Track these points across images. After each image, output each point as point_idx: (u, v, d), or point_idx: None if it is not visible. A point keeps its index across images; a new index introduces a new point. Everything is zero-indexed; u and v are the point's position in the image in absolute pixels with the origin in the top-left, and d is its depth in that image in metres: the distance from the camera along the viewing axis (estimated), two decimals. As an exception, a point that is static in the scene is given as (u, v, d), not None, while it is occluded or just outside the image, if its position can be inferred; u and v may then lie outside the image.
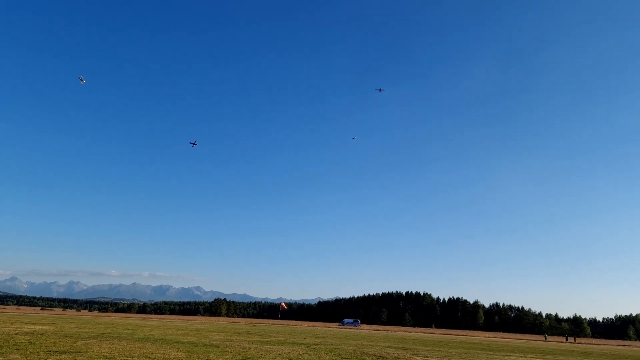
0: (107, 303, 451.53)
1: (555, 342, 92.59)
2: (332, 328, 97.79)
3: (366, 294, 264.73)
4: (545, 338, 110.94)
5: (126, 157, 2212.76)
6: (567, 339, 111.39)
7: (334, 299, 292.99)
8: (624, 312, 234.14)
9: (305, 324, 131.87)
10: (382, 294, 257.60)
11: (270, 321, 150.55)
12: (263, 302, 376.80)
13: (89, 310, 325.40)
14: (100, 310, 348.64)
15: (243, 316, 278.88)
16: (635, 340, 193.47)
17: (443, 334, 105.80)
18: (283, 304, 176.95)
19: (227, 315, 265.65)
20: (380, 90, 70.12)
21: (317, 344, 34.32)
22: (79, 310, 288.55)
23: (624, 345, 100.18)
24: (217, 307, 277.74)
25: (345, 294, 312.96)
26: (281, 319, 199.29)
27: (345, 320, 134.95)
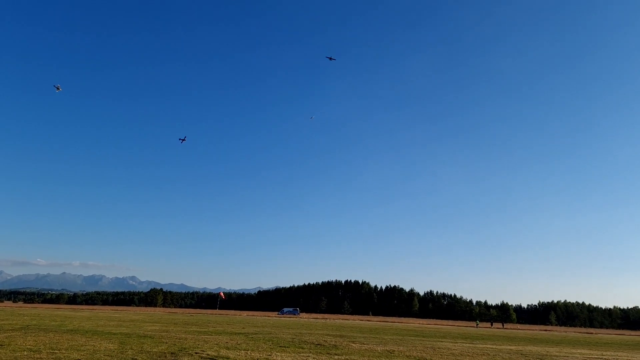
0: (33, 294, 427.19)
1: (484, 328, 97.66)
2: (271, 317, 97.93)
3: (306, 283, 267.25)
4: (477, 324, 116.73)
5: (49, 141, 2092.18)
6: (492, 324, 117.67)
7: (274, 289, 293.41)
8: (546, 299, 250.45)
9: (244, 313, 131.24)
10: (322, 282, 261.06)
11: (209, 311, 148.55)
12: (201, 292, 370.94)
13: (13, 302, 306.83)
14: (25, 301, 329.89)
15: (180, 306, 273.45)
16: (556, 325, 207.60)
17: (380, 321, 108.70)
18: (222, 293, 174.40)
19: (164, 306, 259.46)
20: (330, 58, 68.13)
21: (255, 333, 34.26)
22: (1, 302, 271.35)
23: (546, 330, 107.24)
24: (153, 298, 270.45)
25: (286, 283, 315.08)
26: (220, 308, 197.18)
27: (285, 309, 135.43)
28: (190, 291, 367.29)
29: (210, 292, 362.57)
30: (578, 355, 29.52)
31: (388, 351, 24.91)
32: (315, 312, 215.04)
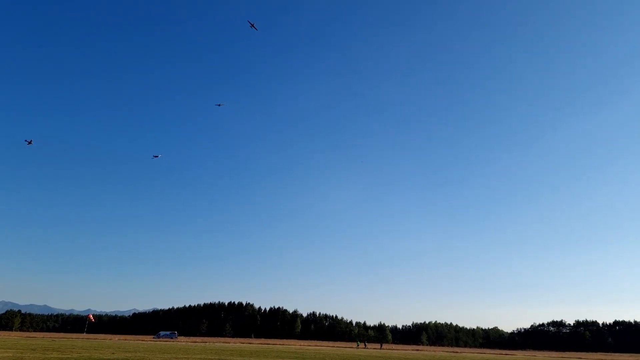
0: None
1: (362, 349, 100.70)
2: (146, 341, 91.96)
3: (186, 305, 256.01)
4: (357, 345, 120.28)
5: None
6: (365, 345, 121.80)
7: (150, 311, 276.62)
8: (419, 320, 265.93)
9: (116, 337, 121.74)
10: (204, 304, 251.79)
11: (75, 335, 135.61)
12: (67, 314, 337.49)
13: None
14: None
15: (42, 330, 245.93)
16: (427, 344, 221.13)
17: (261, 343, 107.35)
18: (91, 316, 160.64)
19: (22, 330, 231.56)
20: (219, 105, 70.55)
21: (126, 359, 31.93)
22: None
23: (417, 350, 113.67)
24: (9, 320, 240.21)
25: (164, 305, 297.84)
26: (88, 332, 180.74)
27: (162, 333, 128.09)
28: (55, 313, 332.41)
29: (77, 314, 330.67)
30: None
31: (267, 375, 24.60)
32: (195, 335, 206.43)
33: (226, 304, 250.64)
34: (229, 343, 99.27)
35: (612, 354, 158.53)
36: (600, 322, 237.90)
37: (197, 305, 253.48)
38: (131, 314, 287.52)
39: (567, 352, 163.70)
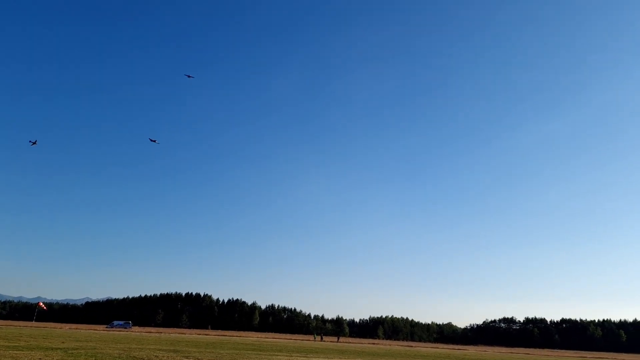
0: None
1: (319, 342, 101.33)
2: (98, 331, 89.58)
3: (142, 295, 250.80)
4: (314, 338, 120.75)
5: None
6: (322, 339, 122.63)
7: (104, 300, 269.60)
8: (376, 314, 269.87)
9: (67, 326, 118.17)
10: (160, 294, 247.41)
11: (23, 323, 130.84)
12: (16, 301, 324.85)
13: None
14: None
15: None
16: (383, 338, 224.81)
17: (218, 335, 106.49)
18: (41, 303, 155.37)
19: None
20: (189, 76, 67.98)
21: (76, 349, 30.99)
22: None
23: (374, 344, 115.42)
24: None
25: (119, 294, 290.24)
26: (37, 321, 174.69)
27: (115, 322, 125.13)
28: (2, 300, 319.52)
29: (27, 302, 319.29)
30: (398, 367, 32.18)
31: (223, 366, 24.38)
32: (150, 325, 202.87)
33: (183, 294, 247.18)
34: (185, 334, 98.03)
35: (558, 350, 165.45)
36: (548, 319, 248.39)
37: (153, 295, 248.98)
38: (84, 303, 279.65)
39: (517, 348, 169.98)
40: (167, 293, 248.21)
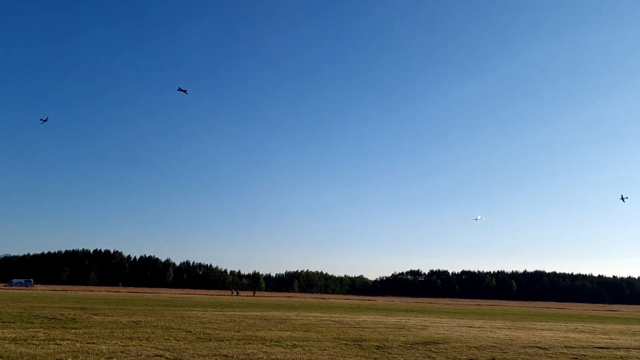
0: None
1: (235, 297, 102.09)
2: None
3: (45, 252, 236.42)
4: (232, 293, 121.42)
5: None
6: (237, 293, 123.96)
7: (2, 257, 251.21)
8: (292, 268, 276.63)
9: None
10: (65, 251, 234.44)
11: None
12: None
13: None
14: None
15: None
16: (298, 291, 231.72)
17: (129, 292, 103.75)
18: None
19: None
20: (184, 91, 61.11)
21: (-31, 309, 28.78)
22: None
23: (289, 297, 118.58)
24: None
25: (18, 252, 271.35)
26: None
27: (15, 281, 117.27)
28: None
29: None
30: (312, 318, 33.45)
31: (134, 322, 23.87)
32: (55, 283, 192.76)
33: (91, 251, 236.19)
34: (93, 292, 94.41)
35: (458, 299, 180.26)
36: (450, 271, 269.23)
37: (58, 252, 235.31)
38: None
39: (421, 298, 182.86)
40: (73, 250, 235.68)
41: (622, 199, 69.57)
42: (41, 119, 69.91)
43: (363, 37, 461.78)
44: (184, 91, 61.97)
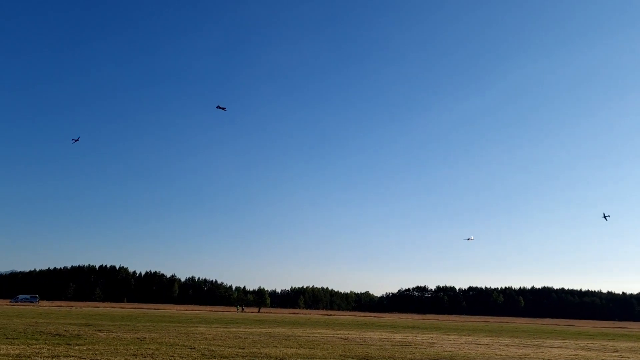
0: None
1: (240, 313, 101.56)
2: (1, 305, 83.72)
3: (51, 268, 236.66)
4: (237, 309, 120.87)
5: None
6: (242, 310, 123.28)
7: (8, 273, 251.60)
8: (297, 284, 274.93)
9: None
10: (71, 267, 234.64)
11: None
12: None
13: None
14: None
15: None
16: (304, 308, 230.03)
17: (134, 308, 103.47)
18: None
19: None
20: (223, 109, 61.55)
21: (-26, 325, 28.76)
22: None
23: (294, 313, 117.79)
24: None
25: (24, 267, 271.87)
26: None
27: (20, 297, 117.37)
28: None
29: None
30: (317, 335, 33.14)
31: (139, 338, 23.75)
32: (60, 299, 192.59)
33: (97, 267, 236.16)
34: (98, 307, 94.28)
35: (465, 316, 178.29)
36: (457, 287, 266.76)
37: (64, 268, 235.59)
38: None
39: (428, 314, 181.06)
40: (78, 265, 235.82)
41: (605, 217, 67.24)
42: (73, 139, 71.13)
43: (366, 49, 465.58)
44: (223, 108, 62.35)
